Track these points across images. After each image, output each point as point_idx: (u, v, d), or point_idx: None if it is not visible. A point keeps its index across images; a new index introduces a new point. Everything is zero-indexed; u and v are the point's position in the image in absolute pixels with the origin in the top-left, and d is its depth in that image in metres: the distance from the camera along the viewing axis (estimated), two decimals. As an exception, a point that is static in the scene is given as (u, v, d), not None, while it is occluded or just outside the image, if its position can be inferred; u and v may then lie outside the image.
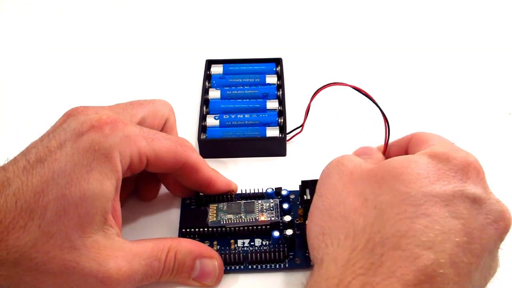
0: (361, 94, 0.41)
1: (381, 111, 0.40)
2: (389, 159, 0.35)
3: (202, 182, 0.42)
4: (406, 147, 0.39)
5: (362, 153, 0.40)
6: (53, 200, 0.33)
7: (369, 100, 0.41)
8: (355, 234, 0.31)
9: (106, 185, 0.35)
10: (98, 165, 0.35)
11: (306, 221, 0.36)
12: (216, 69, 0.54)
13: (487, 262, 0.32)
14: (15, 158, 0.36)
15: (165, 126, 0.44)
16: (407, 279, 0.29)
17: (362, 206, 0.32)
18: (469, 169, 0.33)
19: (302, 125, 0.49)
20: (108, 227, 0.35)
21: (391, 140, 0.41)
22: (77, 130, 0.36)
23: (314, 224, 0.34)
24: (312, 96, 0.46)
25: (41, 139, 0.37)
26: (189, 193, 0.44)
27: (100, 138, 0.35)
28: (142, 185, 0.45)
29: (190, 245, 0.39)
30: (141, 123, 0.41)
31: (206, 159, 0.43)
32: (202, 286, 0.39)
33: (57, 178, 0.34)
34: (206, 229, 0.41)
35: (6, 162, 0.36)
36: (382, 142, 0.42)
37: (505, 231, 0.33)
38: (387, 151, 0.41)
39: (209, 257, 0.39)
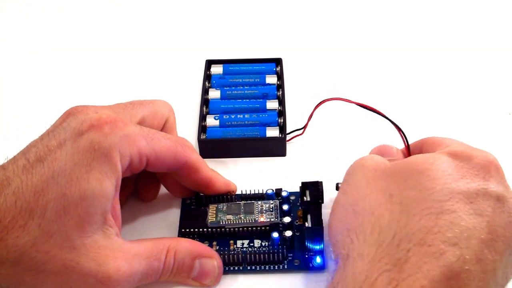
0: (369, 111, 0.41)
1: (393, 123, 0.40)
2: (412, 156, 0.35)
3: (202, 182, 0.42)
4: (419, 152, 0.39)
5: (383, 151, 0.40)
6: (53, 199, 0.33)
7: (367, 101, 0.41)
8: (381, 229, 0.31)
9: (106, 185, 0.35)
10: (98, 165, 0.35)
11: (329, 218, 0.36)
12: (216, 69, 0.54)
13: (509, 260, 0.32)
14: (14, 157, 0.36)
15: (165, 127, 0.44)
16: (433, 275, 0.29)
17: (387, 201, 0.32)
18: (490, 168, 0.34)
19: (304, 127, 0.49)
20: (108, 227, 0.35)
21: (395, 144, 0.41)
22: (77, 129, 0.36)
23: (338, 221, 0.34)
24: (313, 109, 0.46)
25: (41, 138, 0.37)
26: (188, 193, 0.44)
27: (99, 138, 0.35)
28: (141, 186, 0.45)
29: (190, 245, 0.39)
30: (141, 123, 0.41)
31: (206, 159, 0.43)
32: (202, 286, 0.39)
33: (57, 178, 0.34)
34: (205, 229, 0.41)
35: (6, 161, 0.36)
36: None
37: None
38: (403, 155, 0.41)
39: (208, 257, 0.39)
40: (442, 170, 0.33)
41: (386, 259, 0.30)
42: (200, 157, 0.42)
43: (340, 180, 0.39)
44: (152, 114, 0.42)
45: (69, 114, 0.38)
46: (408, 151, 0.41)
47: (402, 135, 0.40)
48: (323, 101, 0.44)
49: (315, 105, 0.46)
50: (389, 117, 0.41)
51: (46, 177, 0.34)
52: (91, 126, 0.36)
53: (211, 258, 0.39)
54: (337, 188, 0.43)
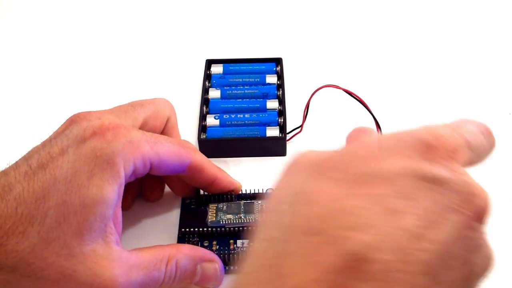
0: (354, 99, 0.42)
1: (373, 116, 0.41)
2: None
3: (207, 181, 0.42)
4: None
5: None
6: (53, 206, 0.33)
7: (364, 101, 0.42)
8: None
9: (107, 192, 0.34)
10: (100, 172, 0.35)
11: None
12: (216, 69, 0.54)
13: (460, 254, 0.27)
14: (16, 162, 0.36)
15: (167, 126, 0.44)
16: (328, 264, 0.24)
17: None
18: (430, 147, 0.28)
19: (301, 126, 0.49)
20: (108, 235, 0.35)
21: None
22: (79, 137, 0.36)
23: None
24: (309, 99, 0.46)
25: (43, 144, 0.37)
26: (191, 192, 0.44)
27: (102, 145, 0.35)
28: (147, 186, 0.45)
29: (190, 251, 0.38)
30: (143, 125, 0.41)
31: (206, 159, 0.43)
32: None
33: (58, 185, 0.34)
34: (205, 229, 0.41)
35: (8, 166, 0.36)
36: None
37: (474, 218, 0.27)
38: None
39: (209, 260, 0.39)
40: (357, 152, 0.28)
41: (268, 253, 0.26)
42: (203, 156, 0.42)
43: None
44: (154, 114, 0.42)
45: (72, 121, 0.38)
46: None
47: (379, 132, 0.40)
48: (315, 91, 0.44)
49: (309, 97, 0.46)
50: (372, 112, 0.41)
51: (47, 184, 0.34)
52: (93, 133, 0.36)
53: (212, 262, 0.39)
54: None
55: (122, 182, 0.36)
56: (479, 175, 0.47)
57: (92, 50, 0.61)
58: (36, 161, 0.35)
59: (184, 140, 0.42)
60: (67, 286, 0.33)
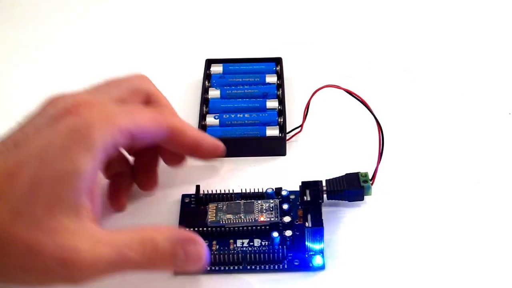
0: (355, 98, 0.42)
1: (374, 116, 0.41)
2: None
3: (190, 145, 0.41)
4: None
5: None
6: (25, 181, 0.33)
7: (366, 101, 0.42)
8: None
9: (80, 164, 0.34)
10: (74, 145, 0.34)
11: None
12: (216, 69, 0.54)
13: None
14: None
15: (152, 100, 0.42)
16: None
17: None
18: None
19: (301, 125, 0.49)
20: (81, 210, 0.34)
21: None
22: (54, 116, 0.35)
23: None
24: (309, 99, 0.46)
25: (18, 125, 0.37)
26: (180, 161, 0.44)
27: (77, 120, 0.35)
28: (140, 175, 0.44)
29: (169, 232, 0.36)
30: (120, 103, 0.40)
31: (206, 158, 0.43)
32: (188, 271, 0.37)
33: (31, 160, 0.34)
34: (205, 228, 0.41)
35: None
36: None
37: None
38: None
39: (191, 241, 0.37)
40: None
41: None
42: (183, 120, 0.41)
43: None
44: (131, 92, 0.41)
45: (47, 103, 0.37)
46: (379, 156, 0.40)
47: (380, 132, 0.40)
48: (315, 91, 0.45)
49: (309, 97, 0.46)
50: (373, 112, 0.41)
51: (20, 160, 0.34)
52: (68, 111, 0.35)
53: (195, 243, 0.37)
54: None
55: (98, 155, 0.35)
56: (479, 175, 0.48)
57: (92, 49, 0.61)
58: (12, 141, 0.35)
59: (162, 107, 0.42)
60: (33, 260, 0.33)
